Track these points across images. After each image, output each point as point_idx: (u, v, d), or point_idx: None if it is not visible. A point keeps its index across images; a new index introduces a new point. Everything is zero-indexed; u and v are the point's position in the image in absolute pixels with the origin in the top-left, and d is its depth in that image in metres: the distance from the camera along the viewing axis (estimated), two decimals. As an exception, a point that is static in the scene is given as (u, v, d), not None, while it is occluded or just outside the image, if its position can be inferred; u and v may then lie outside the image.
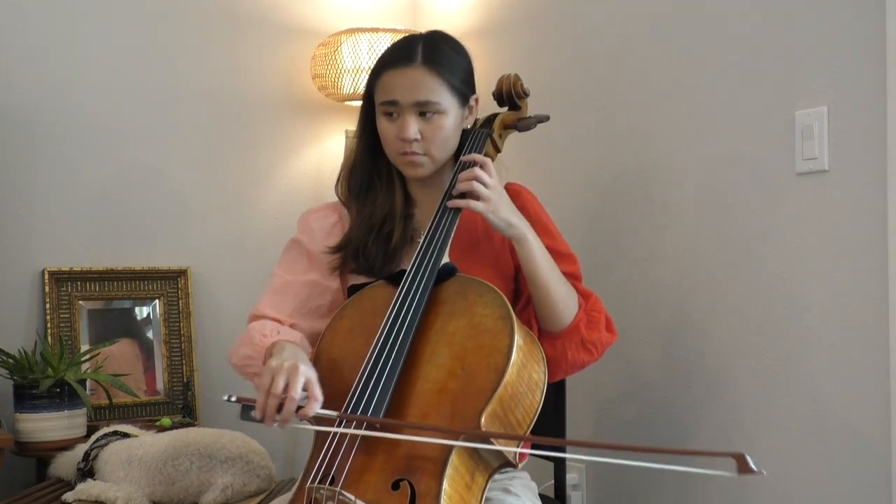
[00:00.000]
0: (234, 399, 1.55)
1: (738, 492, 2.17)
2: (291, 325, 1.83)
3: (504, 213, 1.72)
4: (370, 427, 1.54)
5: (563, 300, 1.76)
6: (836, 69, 1.96)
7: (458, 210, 1.75)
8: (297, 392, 1.51)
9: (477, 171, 1.73)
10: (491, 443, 1.52)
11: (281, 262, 1.92)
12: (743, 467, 1.30)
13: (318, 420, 1.56)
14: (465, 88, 1.83)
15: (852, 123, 1.94)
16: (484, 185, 1.71)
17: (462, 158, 1.81)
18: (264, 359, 1.67)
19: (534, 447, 1.66)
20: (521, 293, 1.84)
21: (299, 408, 1.51)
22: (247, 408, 1.54)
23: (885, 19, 1.87)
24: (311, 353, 1.74)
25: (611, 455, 1.48)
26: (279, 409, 1.52)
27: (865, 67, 1.91)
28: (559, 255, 1.81)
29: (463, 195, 1.73)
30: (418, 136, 1.78)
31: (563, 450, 2.03)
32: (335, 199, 1.97)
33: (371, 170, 1.89)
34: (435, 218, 1.75)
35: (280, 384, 1.51)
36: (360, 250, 1.83)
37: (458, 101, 1.82)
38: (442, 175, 1.87)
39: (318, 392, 1.53)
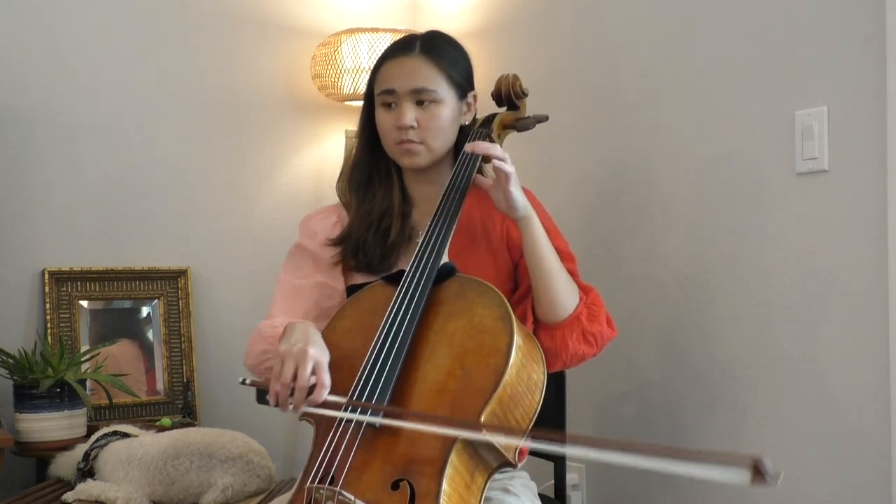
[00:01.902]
0: (248, 382, 1.57)
1: (738, 491, 2.17)
2: None
3: (520, 191, 1.73)
4: (368, 430, 1.54)
5: (563, 289, 1.76)
6: (836, 69, 1.96)
7: (458, 207, 1.76)
8: (305, 379, 1.52)
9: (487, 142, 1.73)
10: (490, 441, 1.52)
11: (286, 267, 1.92)
12: (756, 476, 1.22)
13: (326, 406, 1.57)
14: (462, 82, 1.85)
15: (852, 123, 1.94)
16: (497, 151, 1.71)
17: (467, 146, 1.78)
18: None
19: (535, 442, 1.65)
20: (518, 285, 1.84)
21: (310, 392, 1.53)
22: (261, 392, 1.55)
23: (885, 19, 1.87)
24: None
25: (615, 455, 1.45)
26: (291, 393, 1.53)
27: (865, 67, 1.91)
28: (559, 252, 1.81)
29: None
30: (414, 124, 1.80)
31: (562, 455, 2.04)
32: (335, 200, 1.99)
33: (370, 167, 1.90)
34: (434, 217, 1.76)
35: (289, 372, 1.52)
36: (359, 246, 1.84)
37: (456, 93, 1.84)
38: (440, 172, 1.87)
39: (325, 378, 1.54)
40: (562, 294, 1.75)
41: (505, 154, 1.71)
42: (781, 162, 2.06)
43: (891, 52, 1.86)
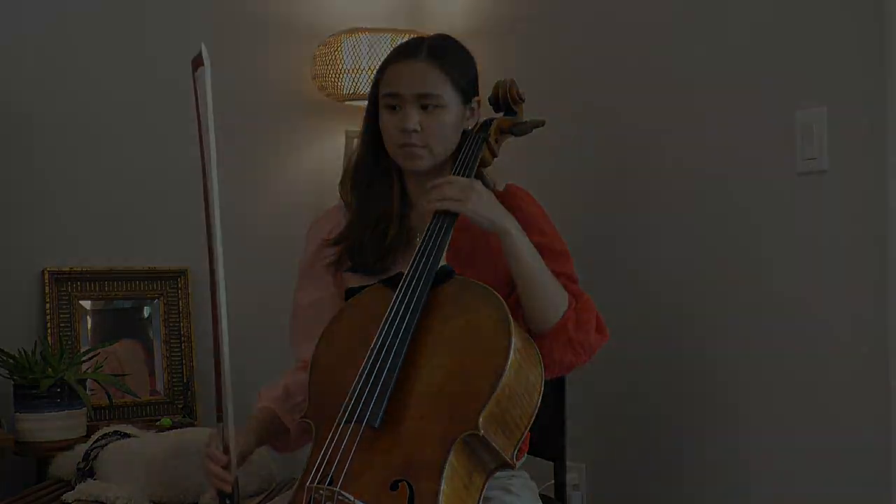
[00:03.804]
0: None
1: (738, 492, 2.17)
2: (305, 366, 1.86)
3: (484, 209, 1.71)
4: (367, 431, 1.54)
5: (549, 298, 1.73)
6: (836, 69, 1.96)
7: (454, 214, 1.75)
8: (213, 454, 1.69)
9: (440, 183, 1.73)
10: (488, 442, 1.52)
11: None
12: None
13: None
14: (467, 87, 1.85)
15: (852, 123, 1.94)
16: (451, 191, 1.71)
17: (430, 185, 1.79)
18: None
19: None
20: (513, 294, 1.83)
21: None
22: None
23: (884, 19, 1.87)
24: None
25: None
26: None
27: (865, 67, 1.91)
28: (553, 253, 1.79)
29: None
30: (418, 128, 1.79)
31: (562, 455, 2.04)
32: (335, 200, 1.99)
33: (372, 168, 1.90)
34: (432, 220, 1.75)
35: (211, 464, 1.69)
36: (356, 246, 1.84)
37: (460, 98, 1.83)
38: (440, 175, 1.86)
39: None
40: (546, 303, 1.73)
41: (441, 184, 1.71)
42: (781, 162, 2.06)
43: (891, 52, 1.86)
